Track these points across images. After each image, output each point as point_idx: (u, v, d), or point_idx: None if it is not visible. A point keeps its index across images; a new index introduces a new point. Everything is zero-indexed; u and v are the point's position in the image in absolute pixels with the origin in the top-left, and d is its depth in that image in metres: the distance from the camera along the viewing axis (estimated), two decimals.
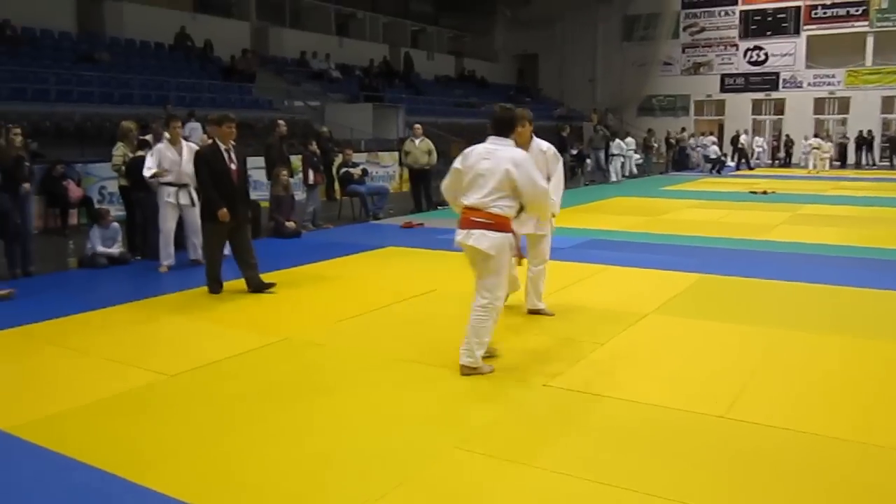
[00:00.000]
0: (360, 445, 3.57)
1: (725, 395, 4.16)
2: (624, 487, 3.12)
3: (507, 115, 4.68)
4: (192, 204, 8.03)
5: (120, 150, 8.75)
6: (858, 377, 4.59)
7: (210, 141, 7.20)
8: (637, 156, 24.53)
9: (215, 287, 6.92)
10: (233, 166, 6.87)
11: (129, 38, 19.31)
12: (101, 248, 8.15)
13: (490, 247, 4.42)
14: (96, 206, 10.72)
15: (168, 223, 8.04)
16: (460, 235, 4.55)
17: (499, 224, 4.45)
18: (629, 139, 23.50)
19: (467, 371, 4.52)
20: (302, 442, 3.63)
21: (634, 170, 23.54)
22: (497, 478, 3.24)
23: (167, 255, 8.02)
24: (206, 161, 6.84)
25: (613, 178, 21.19)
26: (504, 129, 4.60)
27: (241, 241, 6.98)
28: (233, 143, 6.97)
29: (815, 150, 25.71)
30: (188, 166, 7.97)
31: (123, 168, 8.73)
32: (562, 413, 4.00)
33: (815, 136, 26.98)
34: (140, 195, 8.47)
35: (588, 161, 21.91)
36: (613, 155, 21.64)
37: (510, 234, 4.53)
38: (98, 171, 11.87)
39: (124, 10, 19.65)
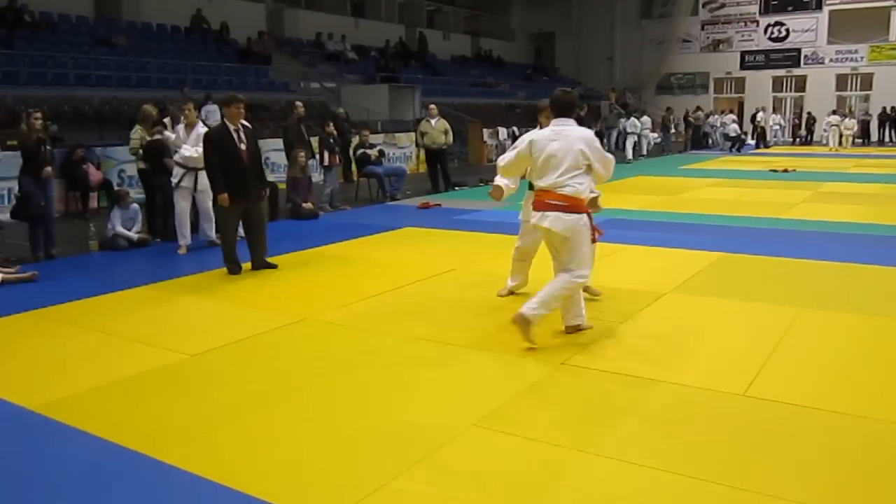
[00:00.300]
0: (379, 423, 3.60)
1: (745, 374, 4.14)
2: (643, 465, 3.13)
3: (569, 97, 4.81)
4: (203, 188, 8.09)
5: (137, 134, 8.80)
6: (880, 355, 4.55)
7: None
8: (654, 134, 24.32)
9: (234, 268, 6.96)
10: (242, 146, 6.86)
11: (145, 22, 19.34)
12: (120, 229, 8.22)
13: (565, 229, 4.55)
14: (116, 188, 10.79)
15: (181, 203, 8.09)
16: (535, 218, 4.69)
17: (573, 206, 4.57)
18: (645, 118, 23.23)
19: (521, 321, 4.54)
20: (322, 420, 3.66)
21: (649, 149, 23.29)
22: (515, 455, 3.26)
23: (182, 236, 8.08)
24: (215, 142, 6.85)
25: (629, 157, 20.99)
26: (567, 111, 4.76)
27: (253, 220, 7.03)
28: (243, 123, 6.98)
29: (833, 127, 25.36)
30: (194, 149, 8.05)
31: (141, 151, 8.78)
32: (579, 391, 4.01)
33: (835, 112, 26.59)
34: (160, 179, 8.52)
35: (604, 140, 21.74)
36: (628, 133, 21.46)
37: (584, 215, 4.62)
38: (117, 154, 11.94)
39: None
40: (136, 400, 3.96)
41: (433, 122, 13.58)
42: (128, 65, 16.37)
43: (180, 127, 8.16)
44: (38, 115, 7.85)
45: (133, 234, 8.31)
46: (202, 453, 3.31)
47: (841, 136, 25.25)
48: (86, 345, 4.94)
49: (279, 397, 3.97)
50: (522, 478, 3.06)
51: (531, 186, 5.13)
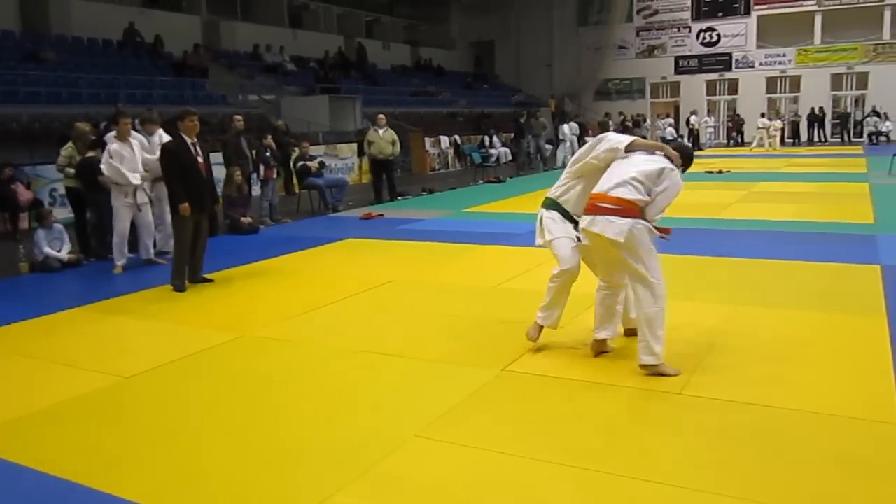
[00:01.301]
0: (318, 439, 3.56)
1: (682, 372, 4.21)
2: (585, 468, 3.16)
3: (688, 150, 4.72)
4: (147, 203, 7.98)
5: (67, 151, 8.56)
6: (811, 349, 4.69)
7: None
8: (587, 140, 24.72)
9: (181, 284, 6.85)
10: (200, 159, 6.95)
11: (76, 36, 18.85)
12: (47, 250, 7.97)
13: (619, 233, 4.11)
14: (65, 211, 10.42)
15: (123, 223, 7.92)
16: (584, 221, 4.31)
17: (626, 210, 4.15)
18: (573, 124, 23.56)
19: (651, 371, 4.14)
20: (260, 438, 3.60)
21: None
22: (458, 464, 3.25)
23: (121, 256, 7.89)
24: (174, 154, 6.88)
25: (560, 164, 20.87)
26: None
27: (199, 233, 7.06)
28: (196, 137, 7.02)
29: (759, 130, 26.52)
30: (138, 163, 7.89)
31: (69, 169, 8.55)
32: (520, 397, 4.03)
33: (762, 115, 27.68)
34: (95, 196, 8.30)
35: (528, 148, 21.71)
36: (559, 140, 21.43)
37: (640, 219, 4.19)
38: (47, 172, 11.58)
39: (71, 6, 19.20)
40: (67, 427, 3.83)
41: (381, 131, 13.52)
42: (58, 80, 15.91)
43: (115, 145, 7.90)
44: None
45: (63, 255, 8.07)
46: (136, 479, 3.22)
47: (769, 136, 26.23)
48: (14, 371, 4.77)
49: (214, 417, 3.89)
50: (466, 487, 3.06)
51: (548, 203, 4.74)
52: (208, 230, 7.38)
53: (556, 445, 3.39)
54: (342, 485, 3.08)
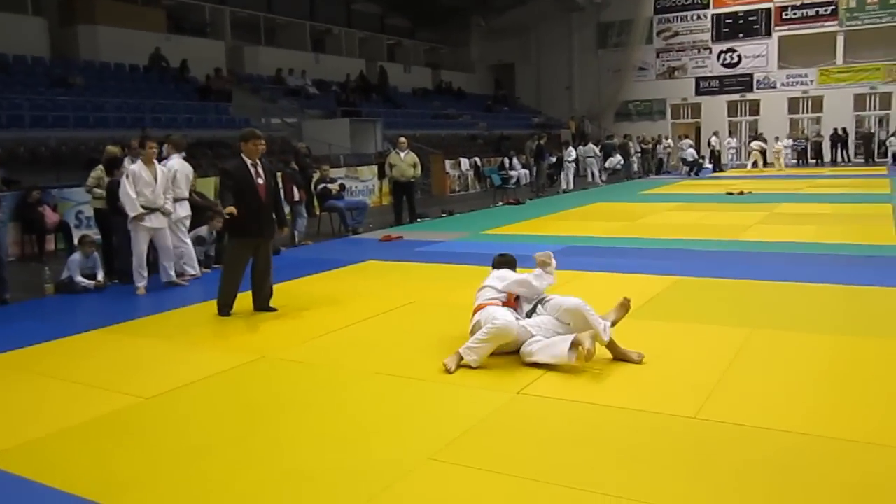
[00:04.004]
0: (333, 461, 3.59)
1: (696, 397, 4.20)
2: (601, 493, 3.15)
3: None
4: (164, 227, 8.06)
5: (97, 172, 8.76)
6: (830, 373, 4.66)
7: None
8: (618, 158, 24.75)
9: (226, 310, 6.74)
10: (260, 181, 6.75)
11: (103, 61, 19.27)
12: (78, 279, 8.07)
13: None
14: (83, 232, 10.53)
15: (140, 246, 8.00)
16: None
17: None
18: (589, 146, 23.51)
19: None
20: (276, 460, 3.63)
21: (598, 177, 23.27)
22: (470, 487, 3.27)
23: (141, 278, 8.01)
24: (231, 176, 6.71)
25: (564, 186, 20.80)
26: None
27: (261, 259, 6.84)
28: (260, 158, 6.83)
29: (753, 152, 27.84)
30: (161, 188, 8.01)
31: (97, 190, 8.72)
32: (535, 420, 4.04)
33: (755, 139, 28.68)
34: (117, 218, 8.44)
35: (522, 171, 21.56)
36: (568, 162, 21.21)
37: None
38: (74, 195, 11.81)
39: (98, 32, 19.63)
40: (88, 447, 3.90)
41: (402, 154, 13.66)
42: (85, 104, 16.26)
43: (135, 166, 8.06)
44: None
45: (90, 283, 8.16)
46: (157, 500, 3.27)
47: (765, 156, 27.57)
48: (37, 391, 4.86)
49: (234, 438, 3.94)
50: None
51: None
52: (271, 253, 7.07)
53: (571, 469, 3.39)
54: None
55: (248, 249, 6.78)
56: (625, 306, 5.22)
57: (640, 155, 26.73)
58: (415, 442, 3.76)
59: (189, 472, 3.55)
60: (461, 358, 4.90)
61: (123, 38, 19.77)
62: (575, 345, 4.75)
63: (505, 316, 5.01)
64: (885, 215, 12.11)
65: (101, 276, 8.28)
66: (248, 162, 6.75)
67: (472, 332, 5.08)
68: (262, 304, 6.88)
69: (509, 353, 5.00)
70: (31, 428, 4.16)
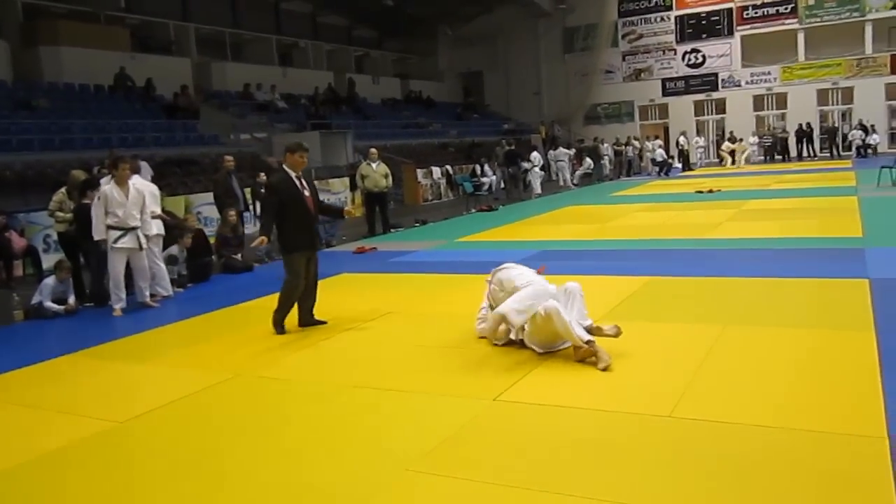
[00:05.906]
0: (311, 476, 3.58)
1: (670, 395, 4.25)
2: (580, 496, 3.17)
3: None
4: (140, 248, 7.98)
5: (59, 196, 8.65)
6: (799, 366, 4.73)
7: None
8: (589, 162, 24.90)
9: (280, 329, 6.55)
10: (307, 193, 6.63)
11: (67, 83, 19.04)
12: (48, 304, 7.97)
13: None
14: (52, 256, 10.41)
15: (117, 267, 7.94)
16: None
17: None
18: (560, 149, 23.65)
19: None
20: (254, 478, 3.61)
21: (570, 181, 23.38)
22: (448, 497, 3.27)
23: (118, 299, 7.93)
24: (277, 191, 6.56)
25: (538, 191, 20.78)
26: None
27: (310, 271, 6.69)
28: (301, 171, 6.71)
29: (721, 152, 28.94)
30: (134, 208, 7.94)
31: (59, 213, 8.63)
32: (512, 426, 4.05)
33: (730, 139, 29.26)
34: (90, 242, 8.32)
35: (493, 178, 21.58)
36: (533, 167, 21.13)
37: None
38: (41, 219, 11.63)
39: (61, 54, 19.36)
40: (60, 475, 3.84)
41: (374, 165, 13.69)
42: (50, 127, 16.06)
43: (107, 187, 7.97)
44: None
45: (60, 308, 8.04)
46: None
47: (734, 154, 28.31)
48: (7, 419, 4.78)
49: (209, 458, 3.91)
50: None
51: None
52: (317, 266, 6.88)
53: (549, 474, 3.41)
54: None
55: (303, 262, 6.60)
56: (616, 334, 5.25)
57: (613, 158, 26.90)
58: (392, 454, 3.76)
59: (165, 494, 3.51)
60: (503, 319, 5.21)
61: (87, 58, 19.54)
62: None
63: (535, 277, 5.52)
64: (850, 208, 12.32)
65: (72, 301, 8.18)
66: (293, 175, 6.62)
67: (493, 302, 5.53)
68: (307, 318, 6.73)
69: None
70: (5, 457, 4.09)
